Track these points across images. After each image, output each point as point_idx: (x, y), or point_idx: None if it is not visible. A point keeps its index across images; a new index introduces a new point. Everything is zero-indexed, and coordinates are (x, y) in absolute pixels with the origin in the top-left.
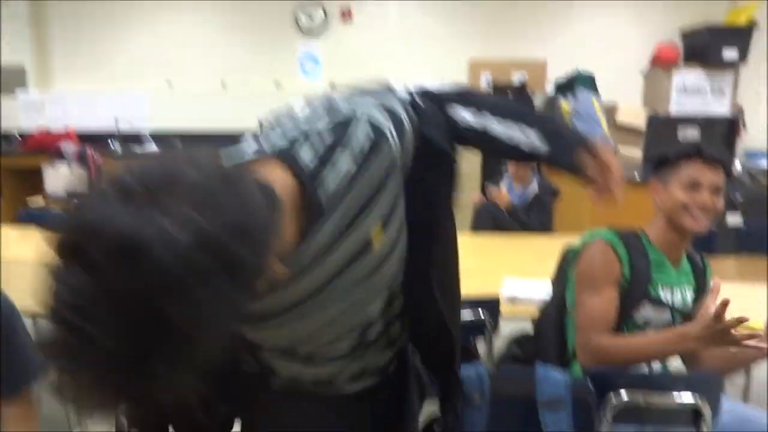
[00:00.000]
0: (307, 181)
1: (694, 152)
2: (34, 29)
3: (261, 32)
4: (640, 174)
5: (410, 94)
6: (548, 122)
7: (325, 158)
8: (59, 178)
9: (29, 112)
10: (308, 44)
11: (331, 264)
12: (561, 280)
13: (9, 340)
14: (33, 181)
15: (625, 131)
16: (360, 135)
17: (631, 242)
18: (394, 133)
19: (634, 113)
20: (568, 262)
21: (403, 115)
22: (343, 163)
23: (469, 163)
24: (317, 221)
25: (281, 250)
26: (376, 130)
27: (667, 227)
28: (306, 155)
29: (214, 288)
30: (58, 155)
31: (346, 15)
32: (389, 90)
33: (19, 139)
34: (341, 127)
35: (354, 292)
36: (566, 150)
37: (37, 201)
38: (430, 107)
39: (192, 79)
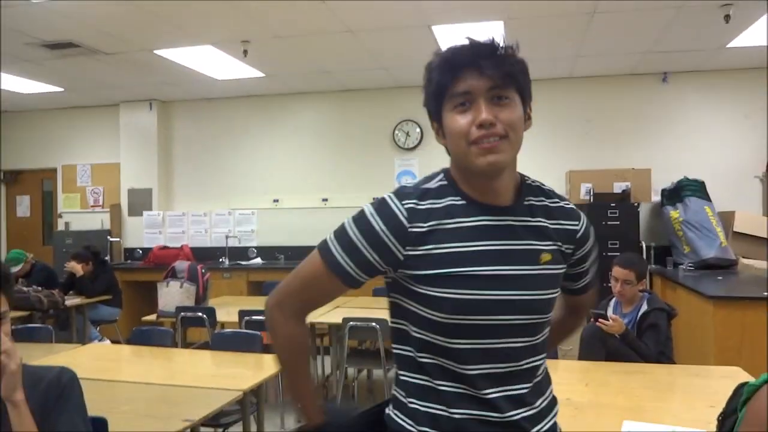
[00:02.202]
0: None
1: None
2: (162, 159)
3: (361, 150)
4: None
5: None
6: None
7: None
8: (171, 295)
9: (152, 231)
10: (405, 159)
11: None
12: (727, 420)
13: (62, 408)
14: (151, 295)
15: (744, 240)
16: None
17: None
18: None
19: (753, 221)
20: (742, 401)
21: None
22: None
23: None
24: None
25: None
26: None
27: None
28: None
29: None
30: (172, 273)
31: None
32: None
33: (140, 253)
34: None
35: None
36: None
37: (150, 319)
38: None
39: (296, 197)
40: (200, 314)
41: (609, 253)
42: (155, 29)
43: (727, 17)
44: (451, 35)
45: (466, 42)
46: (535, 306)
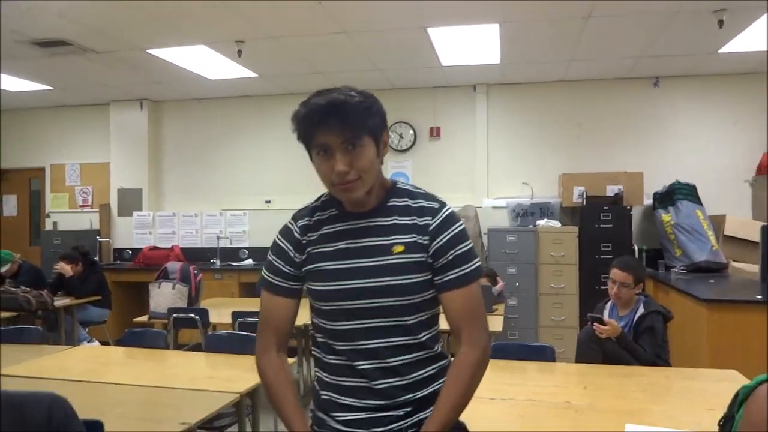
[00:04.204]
0: None
1: None
2: (152, 159)
3: None
4: (760, 291)
5: None
6: None
7: None
8: (163, 296)
9: (141, 231)
10: (399, 161)
11: None
12: (727, 423)
13: None
14: (140, 296)
15: (735, 243)
16: None
17: None
18: None
19: (743, 224)
20: (738, 402)
21: None
22: None
23: (568, 281)
24: None
25: None
26: None
27: None
28: None
29: None
30: (164, 274)
31: (434, 132)
32: None
33: (130, 254)
34: None
35: None
36: None
37: (141, 321)
38: None
39: (288, 198)
40: (192, 315)
41: (602, 256)
42: (148, 28)
43: (720, 22)
44: (445, 37)
45: (321, 104)
46: (393, 290)
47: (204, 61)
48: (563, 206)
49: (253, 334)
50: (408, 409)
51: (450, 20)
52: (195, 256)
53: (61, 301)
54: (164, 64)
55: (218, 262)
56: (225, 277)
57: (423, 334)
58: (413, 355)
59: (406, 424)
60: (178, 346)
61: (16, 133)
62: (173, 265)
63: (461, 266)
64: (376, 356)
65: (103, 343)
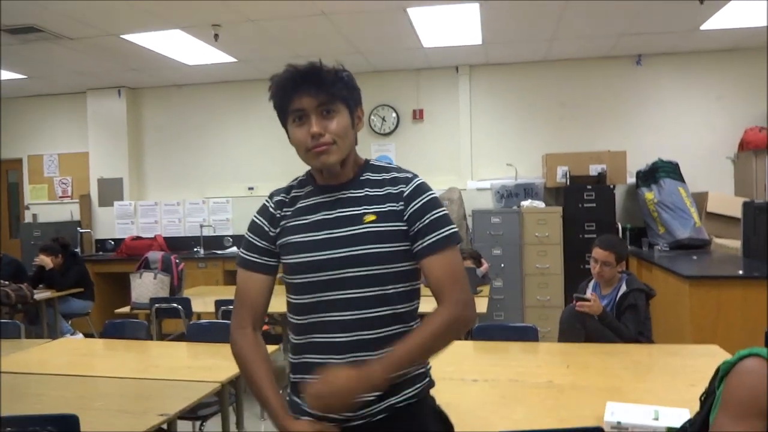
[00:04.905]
0: None
1: None
2: (132, 148)
3: None
4: (742, 267)
5: None
6: None
7: None
8: (144, 286)
9: (123, 221)
10: (382, 144)
11: None
12: (708, 398)
13: None
14: (124, 287)
15: (717, 220)
16: None
17: None
18: None
19: (725, 201)
20: (719, 377)
21: None
22: None
23: (553, 261)
24: None
25: None
26: None
27: None
28: None
29: None
30: (145, 264)
31: (417, 115)
32: None
33: (112, 244)
34: None
35: None
36: None
37: (123, 311)
38: None
39: (272, 184)
40: (175, 305)
41: (586, 236)
42: (122, 13)
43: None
44: (426, 17)
45: (298, 68)
46: (366, 259)
47: (181, 46)
48: (547, 186)
49: None
50: (379, 393)
51: (430, 0)
52: (178, 245)
53: (41, 294)
54: (140, 50)
55: (202, 251)
56: (209, 265)
57: (401, 306)
58: (388, 328)
59: (375, 410)
60: (162, 336)
61: None
62: (154, 255)
63: (438, 230)
64: (346, 329)
65: (87, 335)
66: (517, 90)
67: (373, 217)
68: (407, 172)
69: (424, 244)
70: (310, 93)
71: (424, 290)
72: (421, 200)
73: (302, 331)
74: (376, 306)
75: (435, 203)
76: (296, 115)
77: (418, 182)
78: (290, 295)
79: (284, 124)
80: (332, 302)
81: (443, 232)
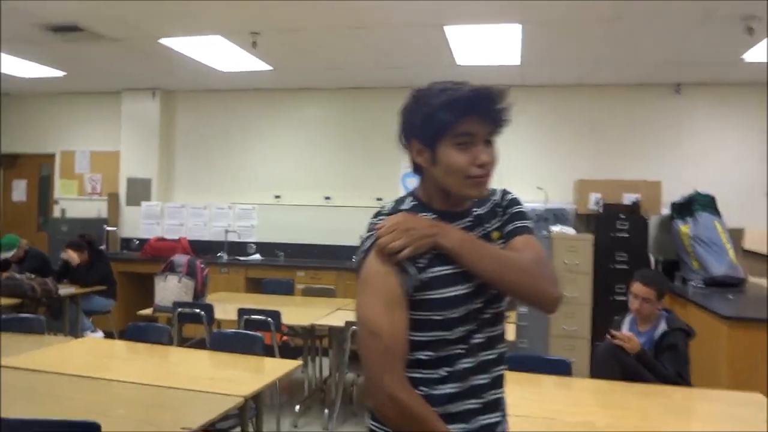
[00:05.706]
0: None
1: None
2: (163, 149)
3: (366, 150)
4: None
5: None
6: None
7: None
8: (168, 289)
9: (149, 222)
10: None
11: None
12: None
13: None
14: (146, 288)
15: (753, 258)
16: None
17: None
18: None
19: (763, 238)
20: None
21: None
22: None
23: (581, 290)
24: None
25: None
26: None
27: None
28: None
29: None
30: (170, 267)
31: None
32: None
33: (137, 243)
34: None
35: None
36: None
37: (146, 314)
38: None
39: (299, 193)
40: (198, 311)
41: (617, 266)
42: (163, 16)
43: (750, 29)
44: (462, 36)
45: (476, 89)
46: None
47: (218, 53)
48: (578, 213)
49: (258, 334)
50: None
51: (471, 19)
52: (202, 248)
53: (66, 290)
54: (176, 55)
55: (225, 256)
56: (231, 271)
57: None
58: (503, 366)
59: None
60: (183, 340)
61: (27, 118)
62: (180, 258)
63: (518, 220)
64: (486, 368)
65: (107, 333)
66: (550, 113)
67: (498, 234)
68: (501, 191)
69: (508, 230)
70: (485, 119)
71: None
72: (517, 208)
73: (441, 371)
74: (499, 343)
75: (519, 202)
76: (462, 139)
77: (501, 189)
78: (428, 333)
79: (428, 142)
80: (471, 336)
81: (523, 223)
